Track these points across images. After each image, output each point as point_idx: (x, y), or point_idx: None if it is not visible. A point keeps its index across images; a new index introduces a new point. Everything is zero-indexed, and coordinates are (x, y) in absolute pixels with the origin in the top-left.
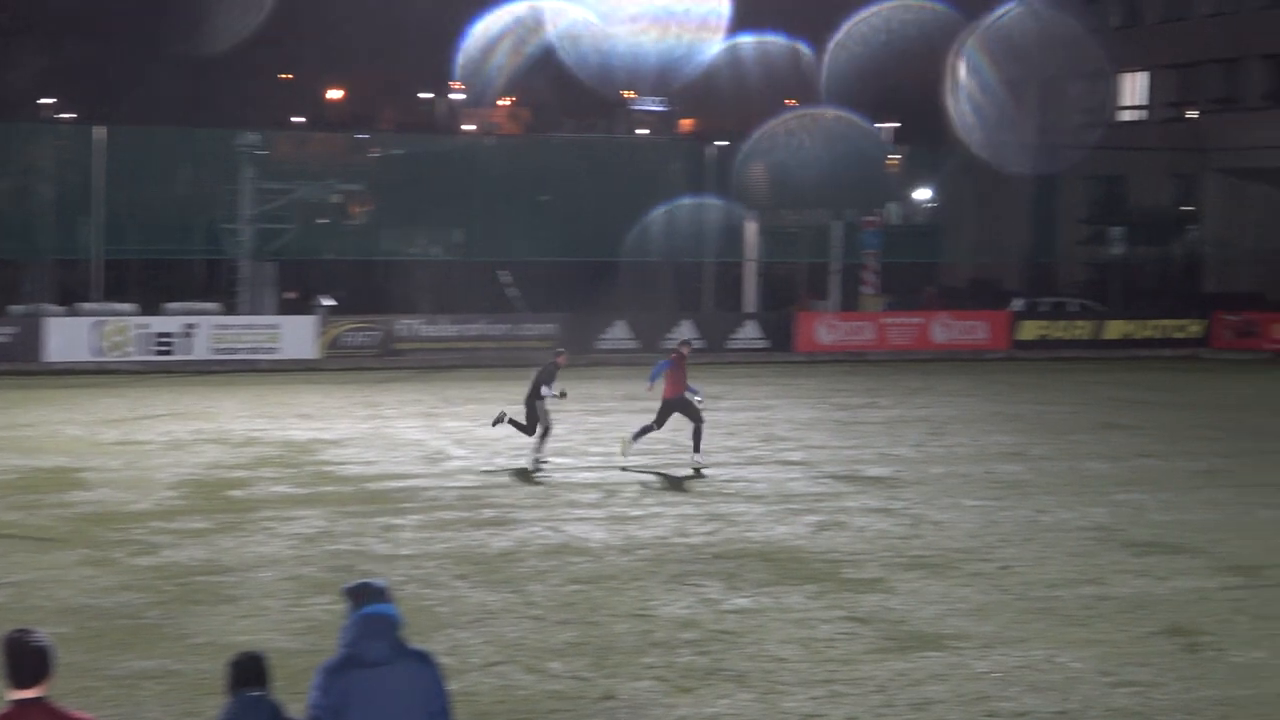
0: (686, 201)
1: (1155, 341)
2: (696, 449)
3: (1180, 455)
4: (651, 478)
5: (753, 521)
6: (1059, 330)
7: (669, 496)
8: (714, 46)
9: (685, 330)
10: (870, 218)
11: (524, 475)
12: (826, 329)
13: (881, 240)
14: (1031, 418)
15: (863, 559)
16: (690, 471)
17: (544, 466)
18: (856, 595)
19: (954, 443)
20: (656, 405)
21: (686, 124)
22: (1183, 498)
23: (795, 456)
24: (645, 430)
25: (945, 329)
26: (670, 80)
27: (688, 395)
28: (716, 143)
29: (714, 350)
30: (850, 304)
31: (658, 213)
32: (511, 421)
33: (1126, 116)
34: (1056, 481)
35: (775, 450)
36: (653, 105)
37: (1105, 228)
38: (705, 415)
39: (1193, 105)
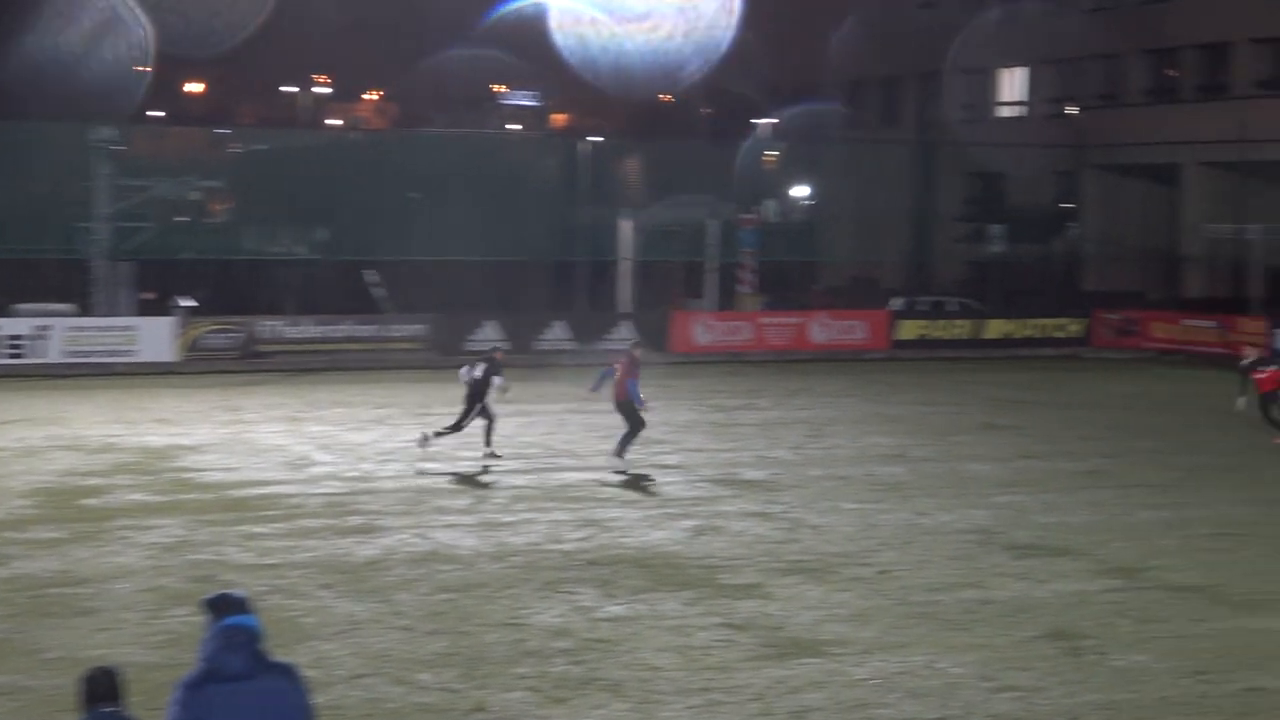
0: (559, 198)
1: (1035, 341)
2: (619, 453)
3: (1061, 456)
4: (523, 482)
5: (628, 527)
6: (939, 330)
7: (541, 502)
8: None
9: (558, 331)
10: (748, 215)
11: (397, 479)
12: (703, 329)
13: (759, 239)
14: (911, 419)
15: (740, 564)
16: (616, 473)
17: (499, 455)
18: (733, 601)
19: (833, 445)
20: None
21: (559, 119)
22: (1064, 499)
23: (672, 460)
24: (629, 439)
25: (824, 329)
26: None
27: (633, 400)
28: (590, 138)
29: (585, 351)
30: (727, 303)
31: (529, 210)
32: (437, 434)
33: (1005, 112)
34: (937, 483)
35: (651, 454)
36: (524, 100)
37: (984, 225)
38: (584, 418)
39: (1073, 101)
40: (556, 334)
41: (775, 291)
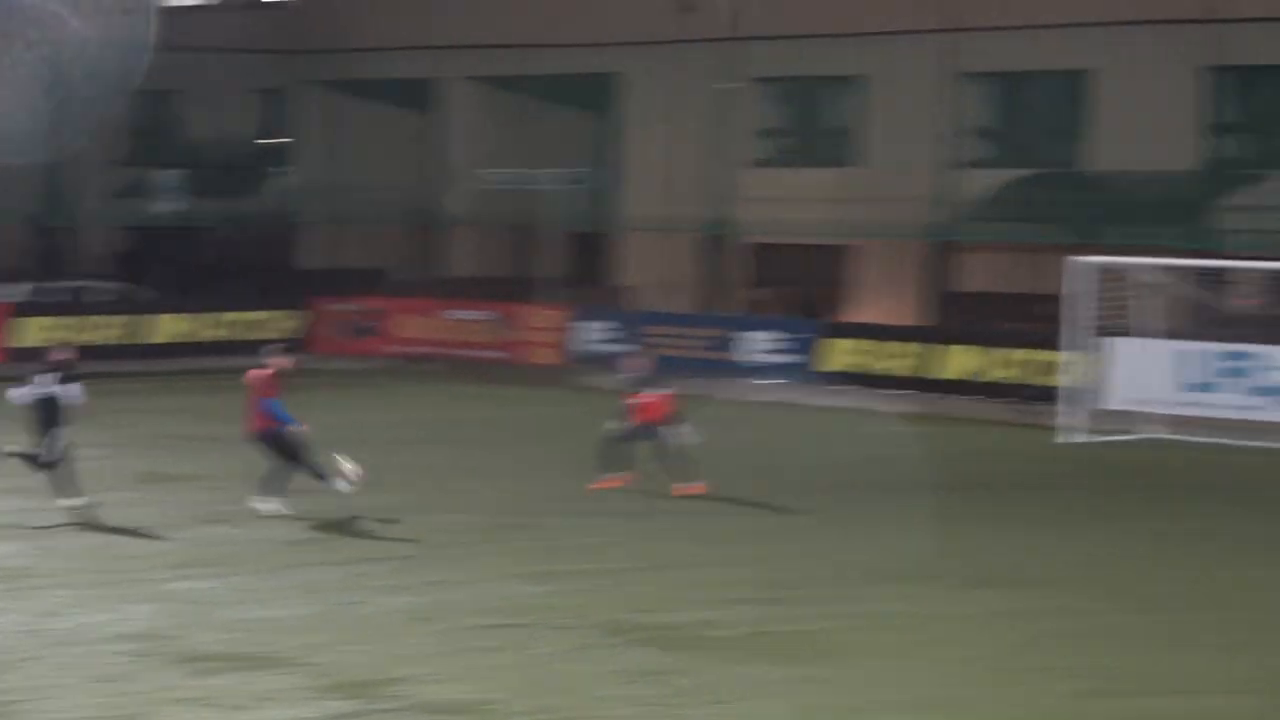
0: None
1: (228, 345)
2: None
3: (269, 519)
4: None
5: None
6: (87, 330)
7: None
8: None
9: None
10: None
11: None
12: None
13: None
14: (18, 468)
15: None
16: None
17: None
18: None
19: None
20: None
21: None
22: (267, 582)
23: None
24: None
25: None
26: None
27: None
28: None
29: None
30: None
31: None
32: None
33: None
34: (77, 566)
35: None
36: None
37: (151, 172)
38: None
39: None
40: None
41: None
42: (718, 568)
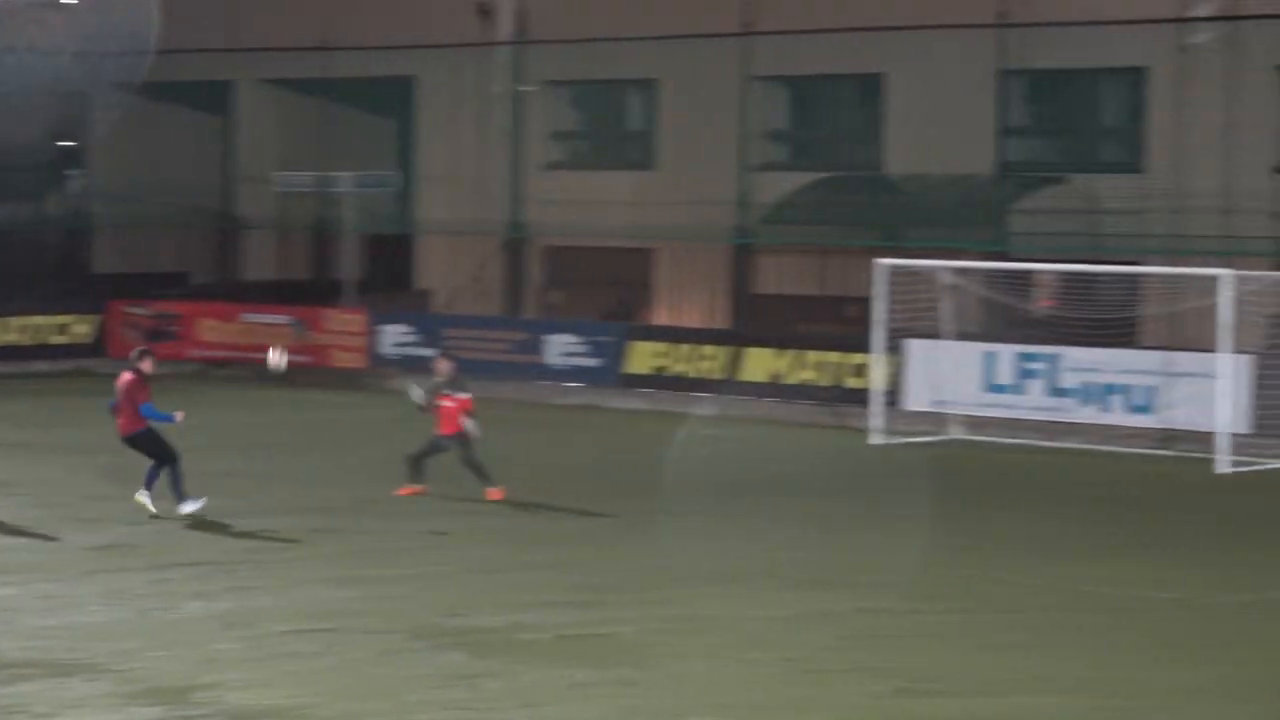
0: None
1: (23, 350)
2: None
3: (71, 523)
4: None
5: None
6: None
7: None
8: None
9: None
10: None
11: None
12: None
13: None
14: None
15: None
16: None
17: None
18: None
19: None
20: None
21: None
22: (72, 589)
23: None
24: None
25: None
26: None
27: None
28: None
29: None
30: None
31: None
32: None
33: None
34: None
35: None
36: None
37: None
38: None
39: None
40: None
41: None
42: (526, 571)
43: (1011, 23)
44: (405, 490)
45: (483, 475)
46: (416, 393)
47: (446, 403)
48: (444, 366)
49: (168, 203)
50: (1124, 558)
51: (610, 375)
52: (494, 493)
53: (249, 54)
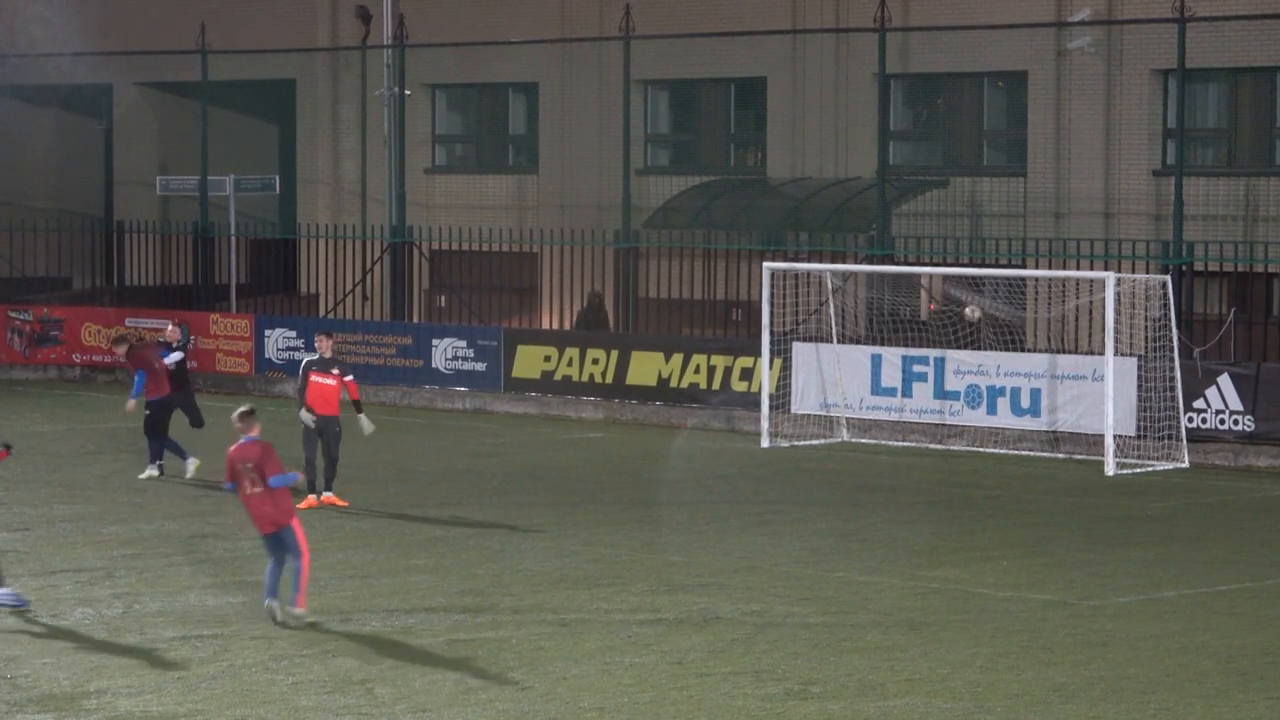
0: None
1: None
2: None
3: None
4: None
5: None
6: None
7: None
8: None
9: None
10: None
11: None
12: None
13: None
14: None
15: None
16: None
17: None
18: None
19: None
20: None
21: None
22: None
23: None
24: None
25: None
26: None
27: None
28: None
29: None
30: None
31: None
32: None
33: None
34: None
35: None
36: None
37: None
38: None
39: None
40: None
41: None
42: (414, 576)
43: (891, 27)
44: (305, 504)
45: (331, 476)
46: (308, 417)
47: (327, 380)
48: (325, 344)
49: (48, 207)
50: (1008, 559)
51: (496, 379)
52: (312, 500)
53: (128, 57)
